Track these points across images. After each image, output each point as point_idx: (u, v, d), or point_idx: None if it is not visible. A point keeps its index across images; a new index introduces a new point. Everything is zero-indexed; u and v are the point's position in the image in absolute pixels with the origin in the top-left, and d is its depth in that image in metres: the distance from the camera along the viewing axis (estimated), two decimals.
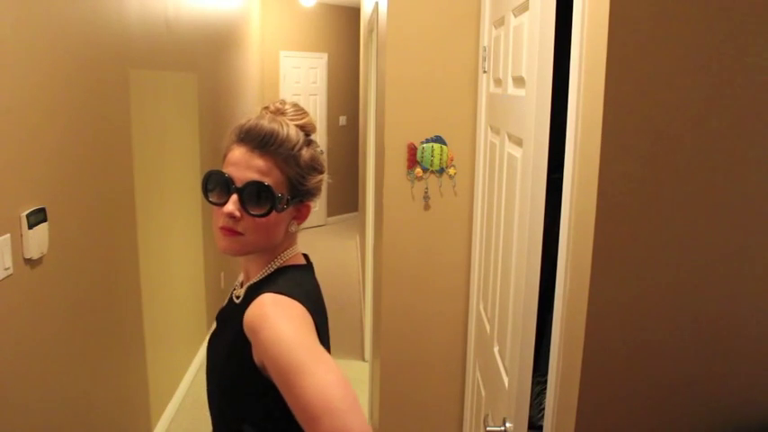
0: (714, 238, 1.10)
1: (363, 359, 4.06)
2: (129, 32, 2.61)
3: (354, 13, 7.49)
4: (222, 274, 4.66)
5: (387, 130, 2.12)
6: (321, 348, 0.98)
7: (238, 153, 1.10)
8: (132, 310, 2.69)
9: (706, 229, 1.10)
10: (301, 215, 1.18)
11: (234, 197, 1.07)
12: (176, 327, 3.43)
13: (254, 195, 1.08)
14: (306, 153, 1.14)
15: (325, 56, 7.53)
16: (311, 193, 1.17)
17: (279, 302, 1.04)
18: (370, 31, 3.55)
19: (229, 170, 1.09)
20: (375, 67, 3.01)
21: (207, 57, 4.13)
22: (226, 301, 1.26)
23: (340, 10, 7.56)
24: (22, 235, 1.73)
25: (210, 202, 1.11)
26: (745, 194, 1.09)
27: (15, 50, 1.70)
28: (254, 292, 1.11)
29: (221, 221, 1.09)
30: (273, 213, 1.09)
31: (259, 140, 1.09)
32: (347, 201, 7.94)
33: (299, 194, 1.14)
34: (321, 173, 1.18)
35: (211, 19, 4.27)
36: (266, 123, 1.10)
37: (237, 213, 1.07)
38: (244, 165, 1.08)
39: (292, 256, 1.19)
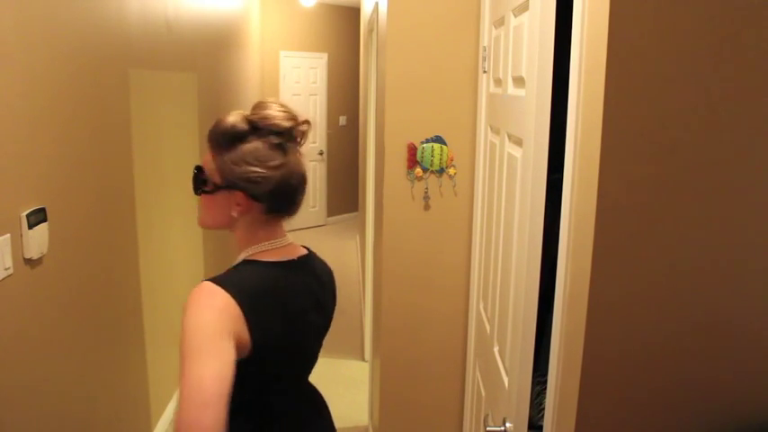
0: (715, 238, 1.10)
1: (363, 359, 4.06)
2: (129, 32, 2.61)
3: (354, 13, 7.49)
4: None
5: (387, 130, 2.12)
6: (221, 343, 1.06)
7: None
8: (132, 310, 2.69)
9: (707, 229, 1.10)
10: (241, 204, 1.23)
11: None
12: (176, 327, 3.43)
13: (194, 176, 1.26)
14: (248, 145, 1.20)
15: (325, 56, 7.53)
16: (243, 184, 1.21)
17: (210, 291, 1.13)
18: (370, 31, 3.55)
19: None
20: (375, 67, 3.00)
21: (207, 57, 4.13)
22: None
23: (340, 10, 7.56)
24: (22, 235, 1.73)
25: None
26: (747, 194, 1.09)
27: (14, 50, 1.70)
28: None
29: None
30: (206, 194, 1.25)
31: (209, 131, 1.25)
32: (347, 201, 7.94)
33: (230, 182, 1.21)
34: (255, 166, 1.20)
35: (211, 19, 4.27)
36: (223, 116, 1.23)
37: (192, 190, 1.29)
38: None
39: (262, 252, 1.26)
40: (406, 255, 2.20)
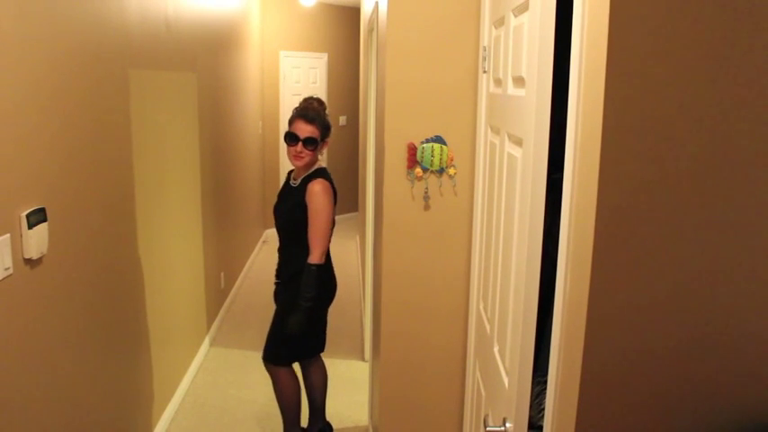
0: (716, 239, 1.10)
1: (363, 359, 4.06)
2: (129, 32, 2.60)
3: (354, 13, 7.49)
4: (222, 274, 4.66)
5: (387, 130, 2.12)
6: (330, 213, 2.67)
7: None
8: (132, 310, 2.69)
9: (708, 230, 1.10)
10: (325, 146, 2.76)
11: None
12: (177, 327, 3.43)
13: (310, 140, 2.68)
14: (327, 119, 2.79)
15: (325, 56, 7.53)
16: (328, 137, 2.78)
17: (325, 182, 2.64)
18: (370, 31, 3.55)
19: None
20: (375, 68, 3.00)
21: (206, 57, 4.13)
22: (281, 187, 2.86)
23: (340, 10, 7.56)
24: (21, 235, 1.73)
25: None
26: (749, 196, 1.09)
27: (15, 50, 1.70)
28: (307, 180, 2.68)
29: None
30: (314, 149, 2.67)
31: (315, 114, 2.69)
32: (347, 201, 7.94)
33: (325, 137, 2.73)
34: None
35: (211, 19, 4.27)
36: (315, 106, 2.77)
37: (308, 149, 2.70)
38: None
39: (319, 163, 2.72)
40: (406, 255, 2.20)
